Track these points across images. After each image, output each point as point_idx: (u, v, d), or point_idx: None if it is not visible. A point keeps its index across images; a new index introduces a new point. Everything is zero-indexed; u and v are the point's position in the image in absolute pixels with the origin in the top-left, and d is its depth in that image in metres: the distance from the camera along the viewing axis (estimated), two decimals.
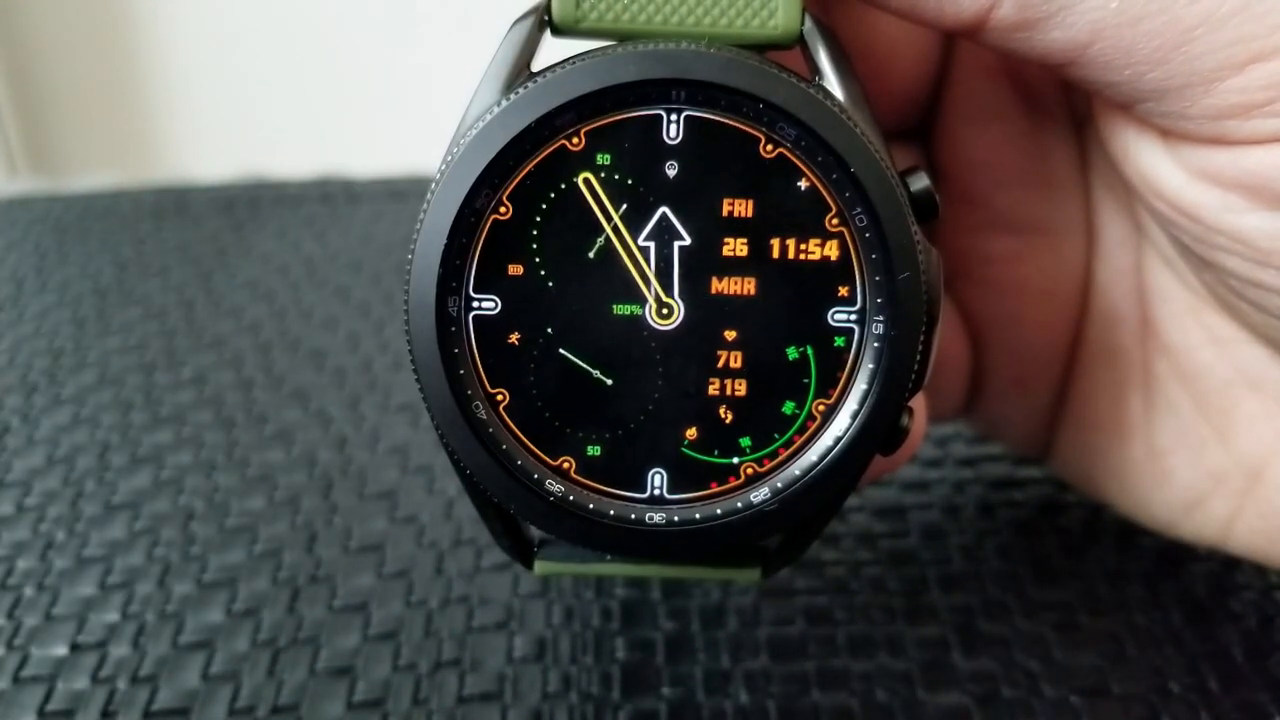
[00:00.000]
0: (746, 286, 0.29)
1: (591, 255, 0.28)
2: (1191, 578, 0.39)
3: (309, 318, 0.56)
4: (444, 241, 0.28)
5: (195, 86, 1.33)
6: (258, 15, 1.26)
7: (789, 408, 0.29)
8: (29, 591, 0.38)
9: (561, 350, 0.29)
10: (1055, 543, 0.40)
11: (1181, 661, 0.35)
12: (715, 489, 0.30)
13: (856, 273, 0.28)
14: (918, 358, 0.28)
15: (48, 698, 0.34)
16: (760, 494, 0.29)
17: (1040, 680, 0.35)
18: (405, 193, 0.70)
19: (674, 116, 0.28)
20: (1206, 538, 0.37)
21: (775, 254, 0.28)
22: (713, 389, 0.29)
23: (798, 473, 0.29)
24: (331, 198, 0.70)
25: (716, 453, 0.30)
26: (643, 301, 0.29)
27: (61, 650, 0.36)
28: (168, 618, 0.37)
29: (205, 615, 0.37)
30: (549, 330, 0.29)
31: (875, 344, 0.28)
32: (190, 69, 1.32)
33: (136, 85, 1.33)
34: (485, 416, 0.29)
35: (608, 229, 0.28)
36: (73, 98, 1.33)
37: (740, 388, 0.29)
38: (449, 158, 0.28)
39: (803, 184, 0.28)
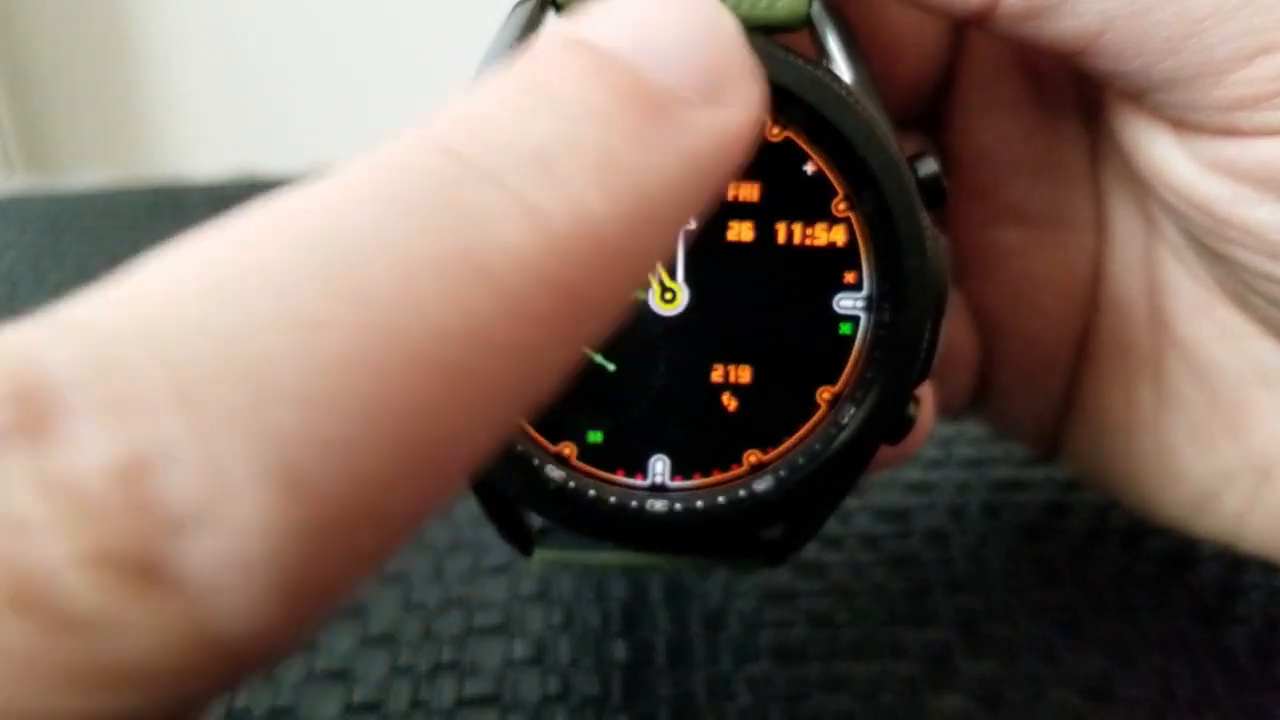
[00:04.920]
0: (751, 271, 0.28)
1: None
2: (1198, 580, 0.38)
3: None
4: None
5: (191, 85, 1.32)
6: (254, 13, 1.25)
7: (793, 395, 0.29)
8: None
9: None
10: (1060, 545, 0.40)
11: (1188, 664, 0.35)
12: (718, 476, 0.29)
13: (863, 259, 0.28)
14: (925, 345, 0.28)
15: None
16: (763, 482, 0.29)
17: (1045, 683, 0.34)
18: None
19: None
20: (1218, 535, 0.37)
21: (781, 239, 0.28)
22: (716, 375, 0.29)
23: (802, 461, 0.29)
24: None
25: (719, 440, 0.29)
26: (645, 286, 0.28)
27: None
28: None
29: None
30: None
31: (882, 331, 0.28)
32: (186, 67, 1.31)
33: (132, 83, 1.32)
34: None
35: None
36: (69, 96, 1.33)
37: (744, 374, 0.29)
38: None
39: (809, 168, 0.28)
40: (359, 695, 0.34)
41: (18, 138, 1.32)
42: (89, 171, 0.77)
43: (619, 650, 0.36)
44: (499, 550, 0.39)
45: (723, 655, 0.35)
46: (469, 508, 0.42)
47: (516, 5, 0.29)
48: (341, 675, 0.35)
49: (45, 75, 1.31)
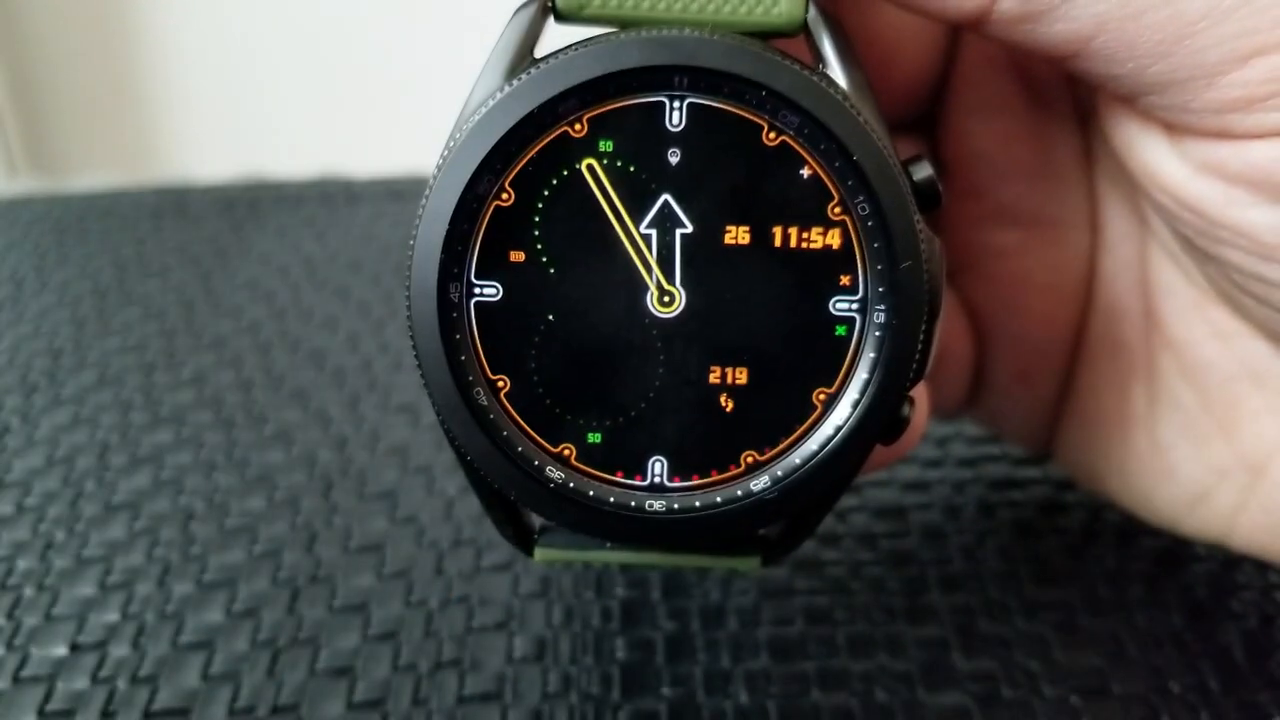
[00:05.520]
0: (748, 274, 0.29)
1: (593, 242, 0.28)
2: (1192, 577, 0.39)
3: (309, 318, 0.56)
4: (446, 227, 0.28)
5: (195, 86, 1.33)
6: (257, 15, 1.26)
7: (789, 396, 0.29)
8: (29, 591, 0.38)
9: (562, 337, 0.29)
10: (1055, 543, 0.40)
11: (1182, 661, 0.35)
12: (715, 477, 0.30)
13: (858, 261, 0.28)
14: (919, 347, 0.28)
15: (48, 698, 0.34)
16: (760, 482, 0.29)
17: (1040, 680, 0.35)
18: (405, 193, 0.70)
19: (677, 103, 0.28)
20: (1210, 533, 0.37)
21: (777, 242, 0.28)
22: (713, 377, 0.29)
23: (798, 461, 0.29)
24: (331, 198, 0.70)
25: (717, 441, 0.30)
26: (644, 289, 0.29)
27: (61, 650, 0.36)
28: (167, 618, 0.37)
29: (205, 615, 0.37)
30: (550, 317, 0.29)
31: (877, 333, 0.28)
32: (190, 69, 1.32)
33: (136, 85, 1.33)
34: (486, 403, 0.29)
35: (610, 216, 0.28)
36: (73, 98, 1.33)
37: (741, 376, 0.29)
38: (451, 143, 0.28)
39: (805, 172, 0.28)
40: (361, 693, 0.34)
41: (22, 140, 1.32)
42: (93, 173, 0.77)
43: (619, 647, 0.36)
44: (500, 548, 0.40)
45: (722, 652, 0.36)
46: (470, 506, 0.42)
47: (518, 10, 0.29)
48: (344, 673, 0.35)
49: (49, 77, 1.31)
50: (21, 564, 0.40)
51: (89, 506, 0.43)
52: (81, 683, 0.35)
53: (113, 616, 0.37)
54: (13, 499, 0.43)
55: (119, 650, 0.36)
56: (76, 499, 0.43)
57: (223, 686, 0.34)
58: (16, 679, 0.35)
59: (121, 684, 0.35)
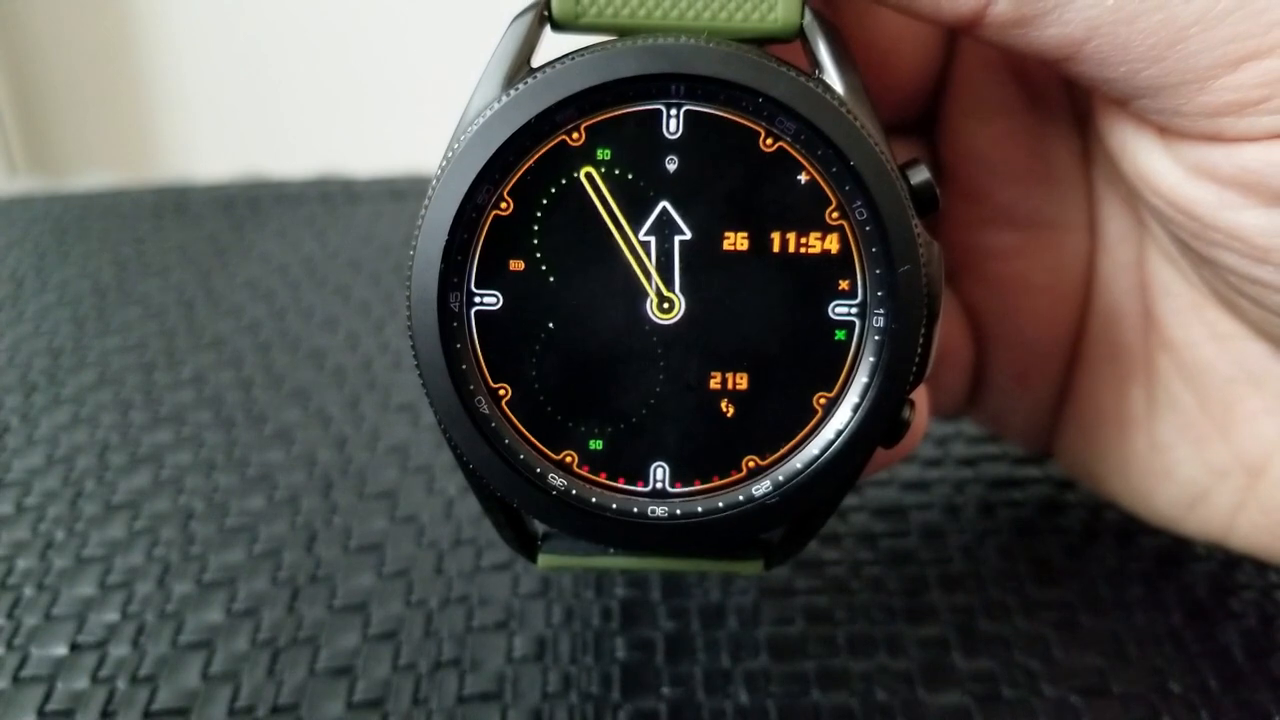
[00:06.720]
0: (747, 280, 0.29)
1: (592, 250, 0.28)
2: (1192, 577, 0.39)
3: (309, 317, 0.56)
4: (445, 237, 0.28)
5: (195, 86, 1.33)
6: (258, 15, 1.26)
7: (790, 401, 0.29)
8: (29, 591, 0.38)
9: (563, 345, 0.29)
10: (1055, 542, 0.40)
11: (1182, 661, 0.35)
12: (717, 482, 0.30)
13: (857, 266, 0.28)
14: (919, 350, 0.28)
15: (48, 698, 0.34)
16: (762, 487, 0.29)
17: (1040, 680, 0.35)
18: (405, 193, 0.70)
19: (674, 111, 0.28)
20: (1209, 534, 0.37)
21: (776, 248, 0.28)
22: (714, 382, 0.29)
23: (799, 466, 0.29)
24: (331, 198, 0.70)
25: (718, 446, 0.30)
26: (644, 296, 0.29)
27: (61, 650, 0.36)
28: (167, 617, 0.37)
29: (205, 615, 0.37)
30: (551, 325, 0.29)
31: (876, 337, 0.28)
32: (190, 68, 1.32)
33: (136, 85, 1.33)
34: (487, 411, 0.29)
35: (609, 224, 0.28)
36: (73, 97, 1.33)
37: (741, 381, 0.29)
38: (450, 153, 0.28)
39: (803, 178, 0.28)
40: (361, 693, 0.34)
41: (22, 139, 1.32)
42: (93, 172, 0.77)
43: (619, 647, 0.36)
44: (500, 548, 0.40)
45: (722, 651, 0.36)
46: (470, 506, 0.42)
47: (515, 19, 0.29)
48: (344, 672, 0.35)
49: (50, 76, 1.31)
50: (21, 564, 0.40)
51: (89, 506, 0.43)
52: (81, 683, 0.35)
53: (113, 616, 0.37)
54: (13, 499, 0.43)
55: (119, 650, 0.36)
56: (76, 499, 0.43)
57: (223, 686, 0.34)
58: (16, 679, 0.35)
59: (121, 684, 0.35)
